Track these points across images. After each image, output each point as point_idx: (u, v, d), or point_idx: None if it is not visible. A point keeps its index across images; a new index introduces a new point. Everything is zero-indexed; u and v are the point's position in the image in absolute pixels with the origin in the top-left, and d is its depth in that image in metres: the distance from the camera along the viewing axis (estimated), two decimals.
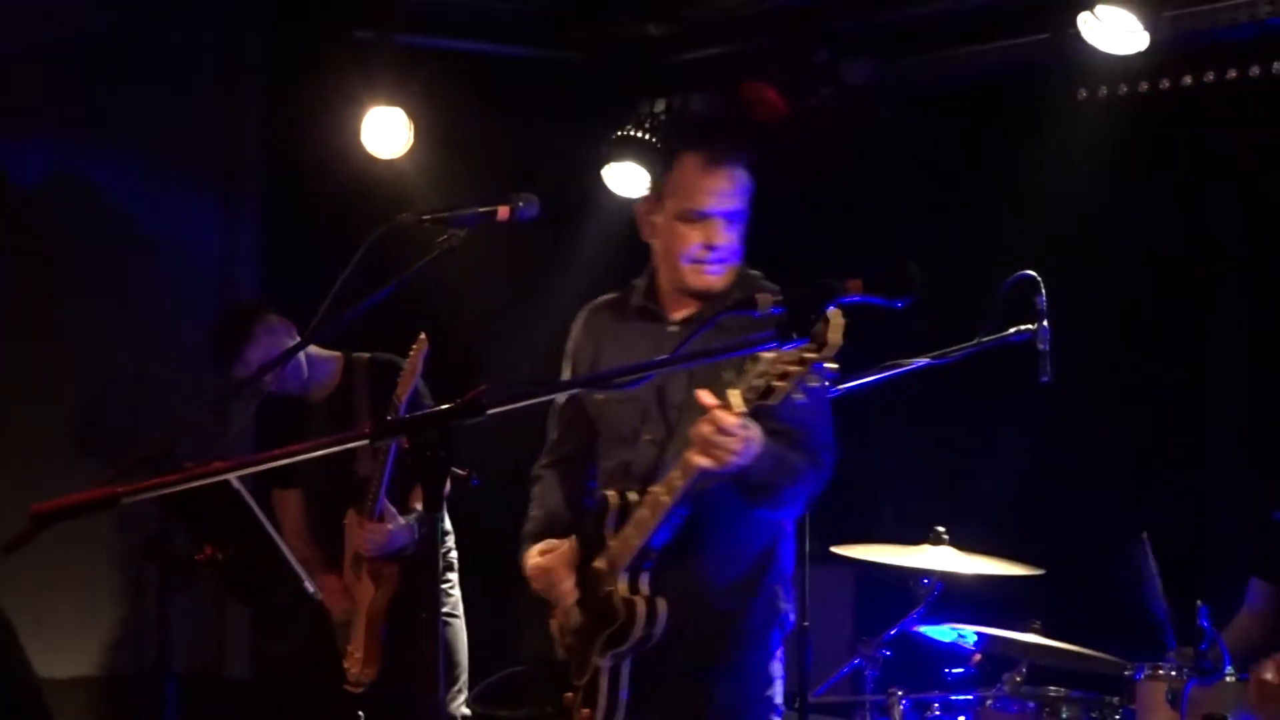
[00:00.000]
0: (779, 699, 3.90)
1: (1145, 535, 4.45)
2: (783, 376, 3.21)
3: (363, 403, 5.12)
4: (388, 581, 4.92)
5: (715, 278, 3.84)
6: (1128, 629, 4.63)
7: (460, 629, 5.23)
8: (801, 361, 3.15)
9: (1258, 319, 5.59)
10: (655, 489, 3.63)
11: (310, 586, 4.89)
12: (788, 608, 3.93)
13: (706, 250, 3.80)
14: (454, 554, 5.26)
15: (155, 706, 4.83)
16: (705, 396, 3.41)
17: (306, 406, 5.25)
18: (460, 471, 4.85)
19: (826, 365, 3.12)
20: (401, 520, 4.86)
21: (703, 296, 3.87)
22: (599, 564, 3.75)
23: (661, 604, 3.66)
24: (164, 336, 6.37)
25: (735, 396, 3.34)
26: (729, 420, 3.37)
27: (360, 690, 4.92)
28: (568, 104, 6.56)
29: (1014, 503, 5.85)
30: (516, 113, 6.52)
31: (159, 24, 6.40)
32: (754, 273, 3.86)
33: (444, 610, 5.07)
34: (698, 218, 3.79)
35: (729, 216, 3.81)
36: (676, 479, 3.55)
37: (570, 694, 3.76)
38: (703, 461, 3.45)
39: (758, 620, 3.84)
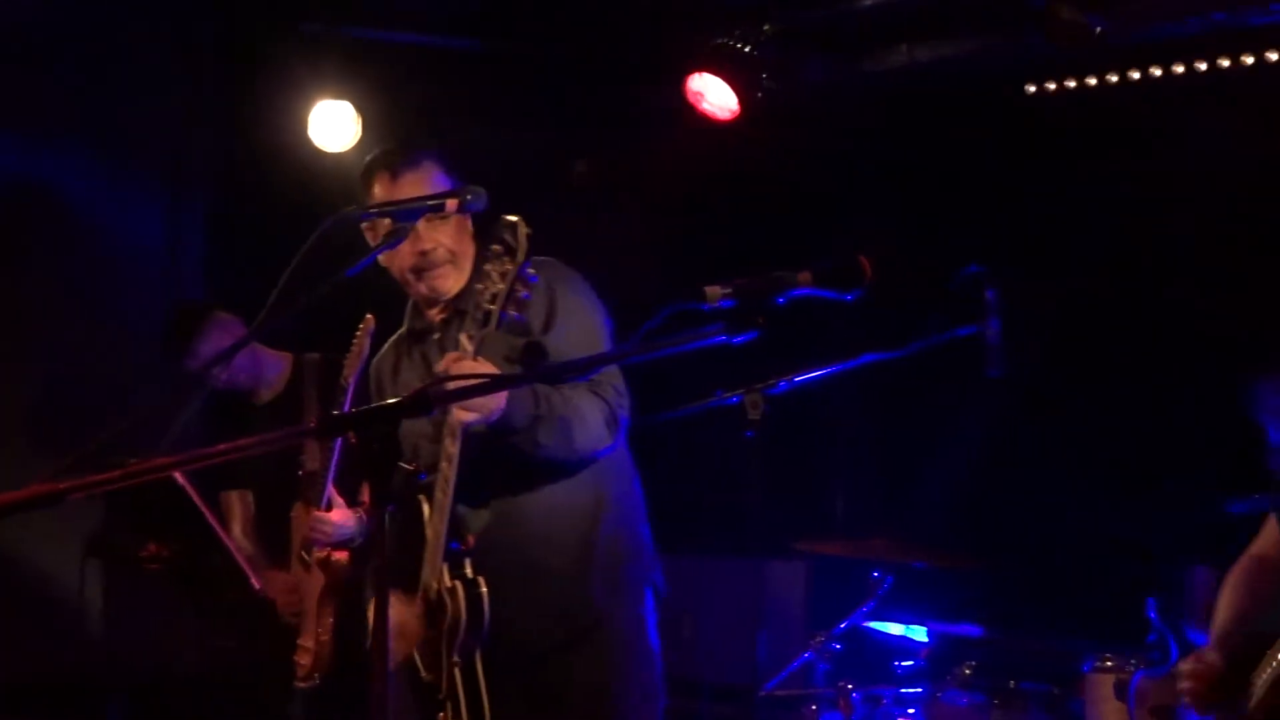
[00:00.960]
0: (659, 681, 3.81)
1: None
2: (492, 300, 3.31)
3: (311, 404, 5.09)
4: (335, 572, 4.88)
5: (444, 280, 3.80)
6: (1076, 622, 4.65)
7: None
8: (503, 277, 3.27)
9: (1209, 312, 5.62)
10: (441, 465, 3.56)
11: (256, 584, 4.84)
12: (648, 568, 3.84)
13: (421, 257, 3.77)
14: None
15: (101, 706, 4.78)
16: (445, 360, 3.44)
17: (254, 408, 5.21)
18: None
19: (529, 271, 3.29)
20: (348, 511, 4.83)
21: (444, 299, 3.82)
22: (425, 568, 3.64)
23: (481, 582, 3.56)
24: (110, 331, 6.30)
25: (463, 340, 3.39)
26: (463, 364, 3.36)
27: (310, 685, 4.87)
28: (518, 98, 6.53)
29: (965, 496, 5.87)
30: (466, 106, 6.48)
31: (104, 17, 6.33)
32: (488, 267, 3.49)
33: None
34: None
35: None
36: (450, 446, 3.52)
37: (442, 714, 3.58)
38: (462, 415, 3.44)
39: (600, 584, 3.74)
